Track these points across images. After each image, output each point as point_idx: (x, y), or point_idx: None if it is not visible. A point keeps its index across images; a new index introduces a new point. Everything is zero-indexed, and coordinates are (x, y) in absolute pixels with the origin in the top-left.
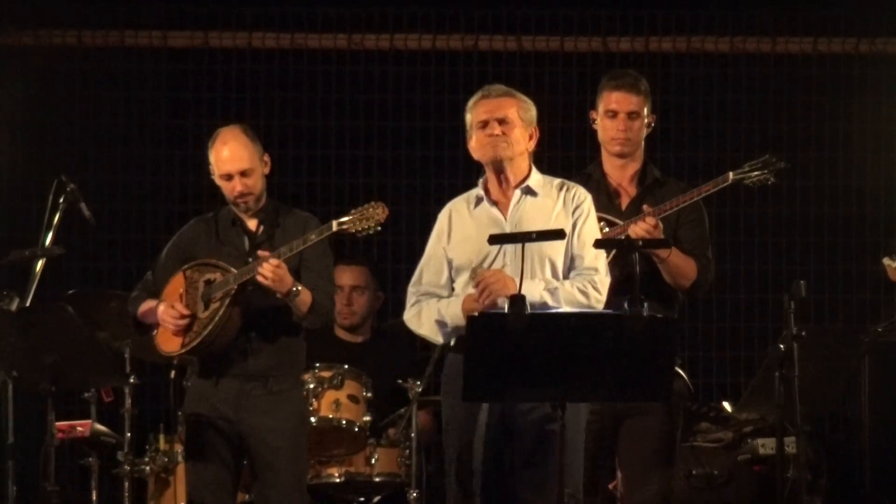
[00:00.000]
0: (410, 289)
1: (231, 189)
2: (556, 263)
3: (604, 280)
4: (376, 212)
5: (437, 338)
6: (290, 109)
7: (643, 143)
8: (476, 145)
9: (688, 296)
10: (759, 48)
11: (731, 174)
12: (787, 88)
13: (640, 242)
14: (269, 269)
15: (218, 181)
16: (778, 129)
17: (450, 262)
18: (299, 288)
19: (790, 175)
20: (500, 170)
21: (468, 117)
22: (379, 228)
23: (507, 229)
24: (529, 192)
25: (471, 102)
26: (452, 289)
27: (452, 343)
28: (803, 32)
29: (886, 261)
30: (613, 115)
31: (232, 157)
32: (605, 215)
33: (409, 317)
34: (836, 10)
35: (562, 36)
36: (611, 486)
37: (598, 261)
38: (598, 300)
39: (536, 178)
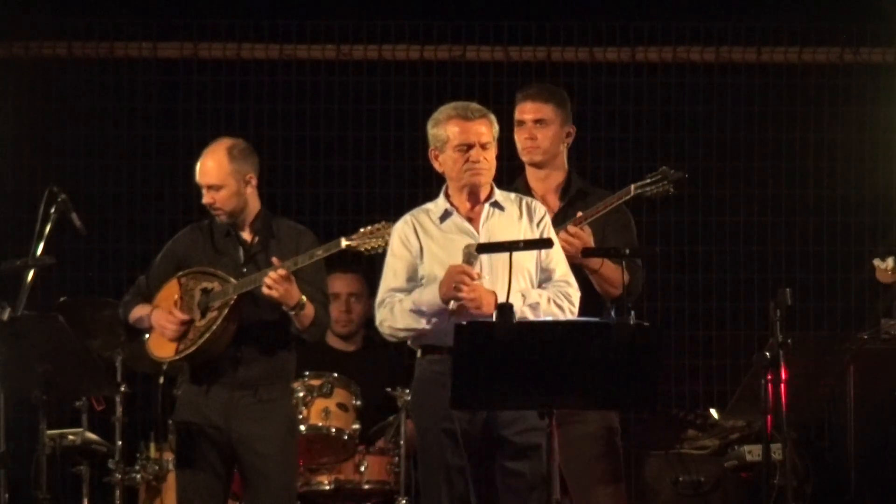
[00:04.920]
0: (382, 295)
1: (203, 198)
2: (532, 274)
3: (576, 293)
4: (385, 232)
5: (417, 325)
6: (279, 120)
7: (564, 153)
8: (453, 165)
9: (616, 304)
10: (744, 58)
11: (632, 186)
12: (772, 98)
13: (627, 251)
14: (276, 280)
15: None
16: (763, 138)
17: (418, 274)
18: (305, 301)
19: (776, 184)
20: (474, 191)
21: (440, 131)
22: (387, 248)
23: (481, 242)
24: (497, 206)
25: (442, 116)
26: None
27: (419, 353)
28: (788, 42)
29: (876, 261)
30: (521, 124)
31: (202, 169)
32: None
33: (383, 316)
34: (821, 20)
35: (549, 46)
36: None
37: (569, 273)
38: (571, 312)
39: (499, 193)
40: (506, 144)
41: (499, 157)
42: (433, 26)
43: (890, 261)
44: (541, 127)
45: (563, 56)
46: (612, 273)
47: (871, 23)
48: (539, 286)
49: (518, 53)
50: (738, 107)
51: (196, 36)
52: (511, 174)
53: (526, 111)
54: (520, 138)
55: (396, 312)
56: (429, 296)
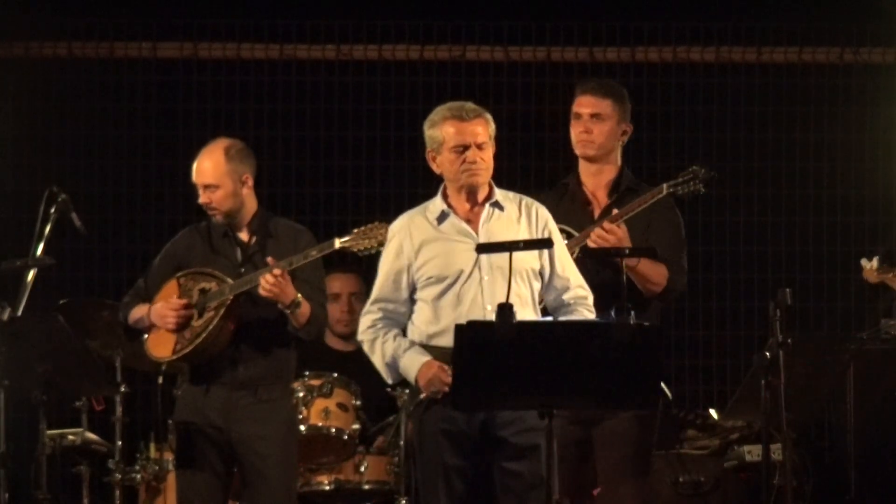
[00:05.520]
0: (369, 306)
1: (200, 198)
2: (531, 275)
3: (590, 295)
4: (379, 232)
5: (385, 375)
6: (278, 120)
7: (619, 150)
8: (449, 167)
9: (660, 301)
10: (744, 58)
11: (664, 186)
12: (772, 98)
13: (627, 251)
14: (272, 281)
15: None
16: (763, 139)
17: (414, 277)
18: (301, 299)
19: (776, 184)
20: (472, 192)
21: (436, 133)
22: (381, 249)
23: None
24: (497, 206)
25: (438, 117)
26: (413, 301)
27: (412, 407)
28: (788, 42)
29: (863, 261)
30: (577, 117)
31: (198, 169)
32: (564, 227)
33: (364, 338)
34: (821, 20)
35: (548, 46)
36: (594, 493)
37: (580, 275)
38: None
39: (499, 192)
40: (506, 143)
41: (496, 156)
42: (433, 26)
43: (875, 260)
44: (597, 122)
45: (563, 56)
46: (650, 270)
47: (871, 23)
48: (560, 296)
49: (518, 53)
50: (738, 107)
51: (196, 36)
52: (510, 174)
53: (583, 105)
54: (575, 131)
55: (377, 348)
56: (408, 364)
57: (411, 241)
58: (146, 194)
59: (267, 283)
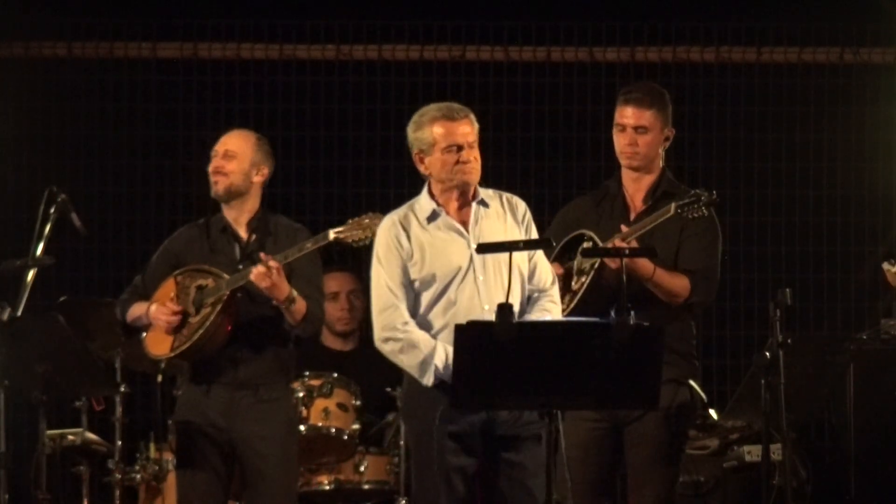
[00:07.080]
0: (394, 301)
1: (210, 165)
2: (524, 273)
3: (556, 288)
4: (373, 222)
5: (426, 377)
6: (278, 120)
7: (661, 155)
8: (441, 167)
9: (685, 310)
10: (744, 58)
11: (673, 206)
12: (772, 98)
13: (627, 251)
14: (265, 273)
15: None
16: (763, 139)
17: (410, 278)
18: (295, 295)
19: (776, 184)
20: (463, 191)
21: (424, 134)
22: (375, 239)
23: (472, 242)
24: (483, 203)
25: (426, 118)
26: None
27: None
28: (788, 42)
29: (886, 266)
30: (622, 129)
31: (225, 137)
32: (585, 231)
33: (401, 336)
34: (821, 20)
35: (549, 46)
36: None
37: (550, 270)
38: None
39: (482, 190)
40: (506, 143)
41: (493, 156)
42: (433, 26)
43: None
44: (641, 134)
45: (563, 56)
46: (668, 282)
47: (871, 23)
48: (531, 295)
49: (518, 53)
50: (738, 107)
51: (196, 36)
52: (510, 174)
53: (627, 116)
54: (619, 143)
55: (421, 348)
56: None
57: (406, 237)
58: (146, 194)
59: (259, 271)
